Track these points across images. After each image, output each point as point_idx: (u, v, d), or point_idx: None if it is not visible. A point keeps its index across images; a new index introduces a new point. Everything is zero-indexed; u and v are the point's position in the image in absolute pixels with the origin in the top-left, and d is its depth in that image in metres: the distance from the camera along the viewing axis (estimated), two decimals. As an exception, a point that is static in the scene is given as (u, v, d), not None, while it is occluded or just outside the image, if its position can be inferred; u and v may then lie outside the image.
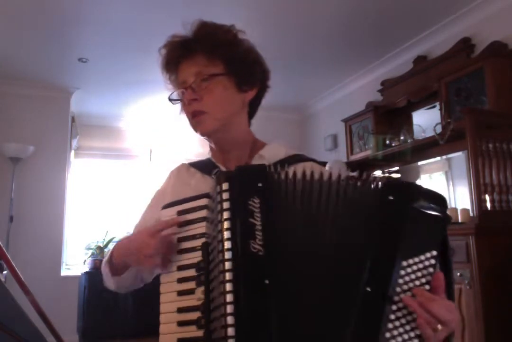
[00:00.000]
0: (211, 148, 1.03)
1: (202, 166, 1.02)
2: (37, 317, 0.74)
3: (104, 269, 0.97)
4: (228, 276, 0.64)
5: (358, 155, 3.88)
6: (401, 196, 0.68)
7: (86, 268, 4.65)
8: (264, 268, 0.64)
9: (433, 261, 0.67)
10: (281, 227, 0.68)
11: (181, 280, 0.74)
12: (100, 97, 4.88)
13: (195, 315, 0.70)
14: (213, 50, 0.93)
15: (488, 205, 2.43)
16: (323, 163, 1.00)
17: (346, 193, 0.70)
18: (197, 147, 5.80)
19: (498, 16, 2.91)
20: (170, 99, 0.99)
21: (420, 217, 0.67)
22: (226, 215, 0.67)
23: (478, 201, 2.41)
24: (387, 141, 3.55)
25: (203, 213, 0.75)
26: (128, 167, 5.67)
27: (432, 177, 3.50)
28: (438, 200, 0.70)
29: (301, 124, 5.42)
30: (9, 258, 0.77)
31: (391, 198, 0.67)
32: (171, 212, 0.80)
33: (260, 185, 0.69)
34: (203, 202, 0.76)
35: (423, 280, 0.66)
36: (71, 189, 5.00)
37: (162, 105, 5.07)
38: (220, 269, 0.65)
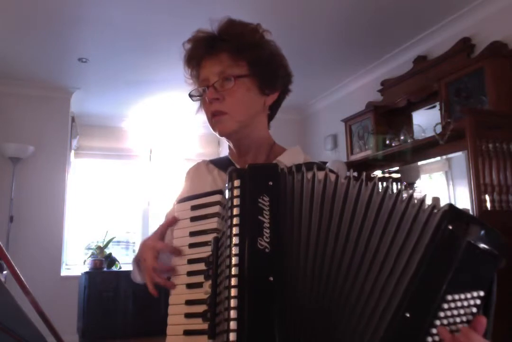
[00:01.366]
0: (229, 148, 1.05)
1: (220, 163, 1.05)
2: (37, 317, 0.74)
3: (133, 264, 1.00)
4: (234, 270, 0.65)
5: (358, 155, 3.88)
6: (461, 226, 0.65)
7: (86, 268, 4.66)
8: (270, 265, 0.65)
9: (478, 301, 0.64)
10: (290, 226, 0.68)
11: (190, 273, 0.76)
12: (100, 97, 4.89)
13: (201, 308, 0.72)
14: (239, 51, 0.92)
15: (488, 205, 2.43)
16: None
17: (382, 203, 0.67)
18: (197, 147, 5.81)
19: (498, 16, 2.91)
20: (191, 96, 0.98)
21: (476, 253, 0.64)
22: (236, 211, 0.68)
23: (478, 201, 2.41)
24: (387, 141, 3.55)
25: (215, 209, 0.77)
26: (128, 168, 5.67)
27: (432, 177, 3.50)
28: (495, 237, 0.67)
29: (301, 124, 5.42)
30: (9, 258, 0.77)
31: (450, 227, 0.64)
32: (185, 207, 0.82)
33: (271, 183, 0.69)
34: (216, 198, 0.77)
35: (464, 318, 0.63)
36: (71, 189, 5.01)
37: (162, 105, 5.08)
38: (227, 264, 0.66)
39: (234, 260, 0.65)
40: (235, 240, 0.66)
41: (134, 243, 5.68)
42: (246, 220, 0.67)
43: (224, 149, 5.76)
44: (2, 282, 0.70)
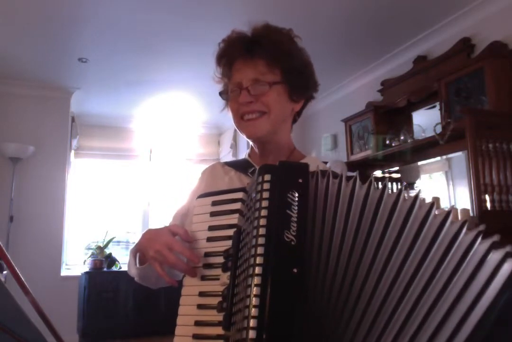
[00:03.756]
0: (252, 149, 1.07)
1: (237, 165, 1.07)
2: (37, 317, 0.74)
3: (130, 256, 1.00)
4: (258, 260, 0.65)
5: (358, 155, 3.88)
6: None
7: (86, 268, 4.66)
8: (295, 257, 0.65)
9: None
10: (320, 224, 0.68)
11: (207, 266, 0.77)
12: (100, 97, 4.89)
13: (215, 300, 0.72)
14: (275, 59, 0.95)
15: (488, 205, 2.43)
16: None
17: (441, 229, 0.65)
18: (197, 147, 5.81)
19: (498, 16, 2.90)
20: (221, 94, 1.02)
21: None
22: (264, 203, 0.69)
23: (478, 201, 2.41)
24: (387, 141, 3.55)
25: (237, 206, 0.78)
26: (128, 168, 5.67)
27: (432, 177, 3.50)
28: None
29: (301, 124, 5.42)
30: (9, 258, 0.77)
31: None
32: (206, 202, 0.83)
33: (300, 180, 0.70)
34: (239, 195, 0.78)
35: None
36: (71, 189, 5.01)
37: (163, 105, 5.08)
38: (251, 253, 0.66)
39: (259, 250, 0.65)
40: (261, 231, 0.66)
41: (134, 243, 5.67)
42: (274, 213, 0.68)
43: (224, 149, 5.76)
44: (2, 282, 0.70)
